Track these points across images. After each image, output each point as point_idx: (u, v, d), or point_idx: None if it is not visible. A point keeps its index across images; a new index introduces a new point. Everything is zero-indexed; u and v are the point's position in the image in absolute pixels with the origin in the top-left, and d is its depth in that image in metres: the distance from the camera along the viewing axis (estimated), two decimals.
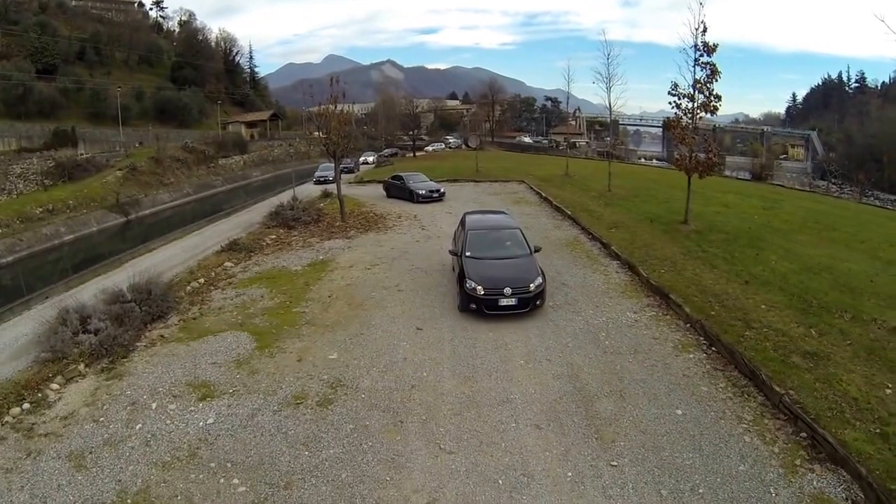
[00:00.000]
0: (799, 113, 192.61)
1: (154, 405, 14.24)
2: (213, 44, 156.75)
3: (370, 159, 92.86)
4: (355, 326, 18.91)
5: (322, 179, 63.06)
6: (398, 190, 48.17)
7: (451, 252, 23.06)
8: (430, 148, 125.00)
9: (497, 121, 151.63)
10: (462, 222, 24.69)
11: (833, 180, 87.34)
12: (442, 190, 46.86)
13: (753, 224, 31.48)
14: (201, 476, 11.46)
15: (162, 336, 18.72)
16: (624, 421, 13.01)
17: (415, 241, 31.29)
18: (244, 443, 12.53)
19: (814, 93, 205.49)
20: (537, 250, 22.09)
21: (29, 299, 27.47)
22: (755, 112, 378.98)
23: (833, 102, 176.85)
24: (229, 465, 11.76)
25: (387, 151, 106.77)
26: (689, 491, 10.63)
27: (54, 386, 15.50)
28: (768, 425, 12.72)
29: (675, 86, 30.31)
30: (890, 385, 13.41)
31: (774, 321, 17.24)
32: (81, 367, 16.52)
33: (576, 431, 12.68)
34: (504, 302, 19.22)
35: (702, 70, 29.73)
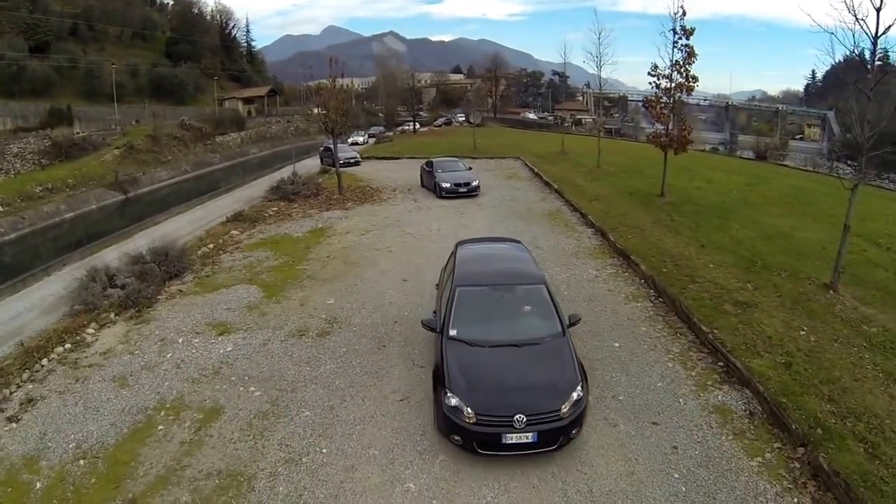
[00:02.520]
0: (818, 91, 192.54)
1: (180, 340, 17.95)
2: (208, 17, 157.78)
3: (360, 139, 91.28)
4: (350, 279, 22.87)
5: (352, 161, 58.76)
6: (429, 179, 42.45)
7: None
8: (439, 122, 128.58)
9: (501, 96, 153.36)
10: (453, 259, 17.45)
11: (847, 161, 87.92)
12: (475, 183, 39.98)
13: (729, 198, 34.79)
14: (225, 386, 15.09)
15: (180, 290, 22.44)
16: None
17: (407, 212, 35.25)
18: (258, 363, 16.28)
19: (834, 70, 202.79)
20: (574, 323, 14.27)
21: (48, 266, 31.08)
22: (774, 89, 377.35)
23: (864, 76, 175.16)
24: (246, 378, 15.45)
25: (374, 130, 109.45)
26: (610, 398, 13.95)
27: (90, 331, 18.96)
28: (692, 356, 16.04)
29: (655, 67, 33.84)
30: (805, 328, 16.61)
31: (717, 277, 20.80)
32: (112, 315, 20.08)
33: None
34: (513, 438, 11.55)
35: (680, 52, 33.10)
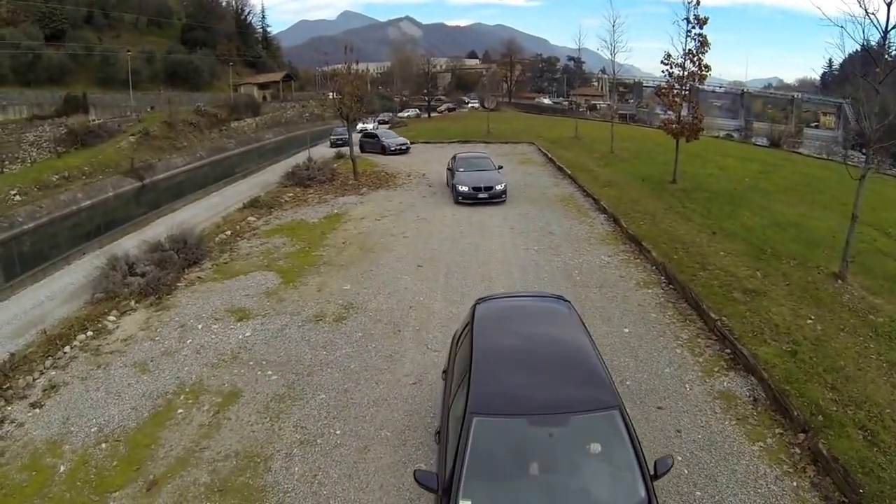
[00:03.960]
0: (834, 79, 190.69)
1: (200, 326, 18.43)
2: (223, 3, 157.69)
3: (369, 126, 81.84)
4: (366, 265, 23.36)
5: (403, 148, 56.66)
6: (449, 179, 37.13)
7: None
8: (473, 104, 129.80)
9: (516, 81, 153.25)
10: (469, 335, 18.70)
11: (862, 150, 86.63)
12: (500, 187, 33.54)
13: (741, 186, 35.10)
14: (243, 370, 15.54)
15: (199, 277, 22.95)
16: None
17: (421, 197, 35.75)
18: (275, 348, 16.73)
19: (851, 59, 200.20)
20: (662, 474, 11.88)
21: (68, 255, 31.38)
22: (791, 77, 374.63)
23: (872, 70, 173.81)
24: (264, 362, 15.90)
25: (385, 115, 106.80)
26: (618, 383, 13.51)
27: (111, 318, 19.46)
28: (700, 343, 16.34)
29: (668, 55, 34.12)
30: (812, 317, 16.83)
31: (727, 265, 21.09)
32: (132, 303, 20.59)
33: None
34: None
35: (693, 41, 33.30)
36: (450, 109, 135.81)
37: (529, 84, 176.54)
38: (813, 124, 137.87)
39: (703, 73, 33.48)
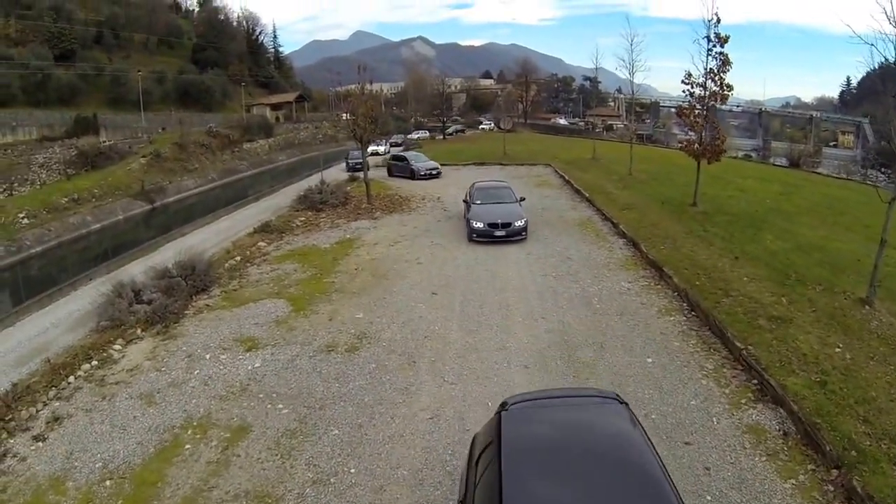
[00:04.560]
0: (853, 98, 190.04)
1: (208, 356, 18.21)
2: (234, 23, 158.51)
3: (381, 149, 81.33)
4: (379, 292, 23.10)
5: (434, 173, 54.92)
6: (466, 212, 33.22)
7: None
8: (484, 126, 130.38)
9: (532, 101, 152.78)
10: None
11: (882, 170, 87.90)
12: (520, 223, 30.29)
13: (762, 208, 34.59)
14: (252, 404, 15.28)
15: (207, 305, 22.78)
16: (599, 366, 16.59)
17: (436, 221, 35.60)
18: (286, 380, 16.47)
19: (869, 77, 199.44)
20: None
21: (74, 281, 31.44)
22: (808, 96, 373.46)
23: (890, 88, 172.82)
24: (275, 395, 15.64)
25: (397, 137, 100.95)
26: (642, 417, 13.24)
27: (116, 347, 19.31)
28: (725, 374, 15.96)
29: (689, 75, 33.71)
30: (840, 345, 16.41)
31: (751, 291, 20.65)
32: (139, 331, 20.45)
33: (557, 371, 16.32)
34: None
35: (714, 60, 32.88)
36: (458, 132, 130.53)
37: (545, 104, 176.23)
38: (832, 144, 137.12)
39: (725, 92, 33.09)
